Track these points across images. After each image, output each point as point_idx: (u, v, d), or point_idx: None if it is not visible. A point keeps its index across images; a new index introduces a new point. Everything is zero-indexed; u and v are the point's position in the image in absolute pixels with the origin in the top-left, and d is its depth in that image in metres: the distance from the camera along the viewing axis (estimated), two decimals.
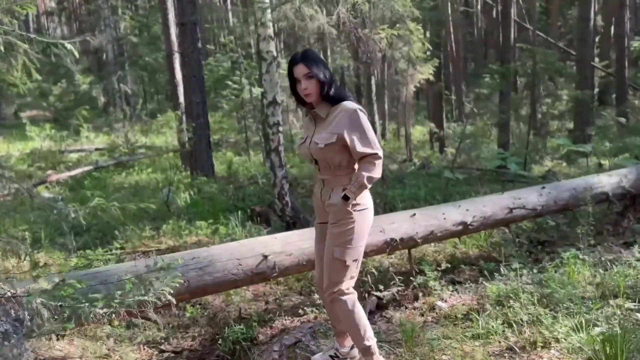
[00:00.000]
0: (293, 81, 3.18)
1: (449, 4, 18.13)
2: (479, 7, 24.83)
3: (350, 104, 3.11)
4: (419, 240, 4.78)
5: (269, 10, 6.93)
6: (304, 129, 3.33)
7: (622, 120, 12.89)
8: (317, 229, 3.32)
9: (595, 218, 6.15)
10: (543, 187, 5.74)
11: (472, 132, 14.46)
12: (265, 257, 3.99)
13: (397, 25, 6.62)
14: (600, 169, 9.96)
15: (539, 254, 5.74)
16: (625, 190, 6.31)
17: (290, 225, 7.28)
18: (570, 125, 14.72)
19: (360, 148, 3.04)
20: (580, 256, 5.14)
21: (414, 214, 4.83)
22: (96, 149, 14.10)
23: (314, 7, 6.35)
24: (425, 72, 11.49)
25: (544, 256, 5.67)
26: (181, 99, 10.47)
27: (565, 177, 8.28)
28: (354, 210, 3.07)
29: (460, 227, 5.05)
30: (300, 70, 3.08)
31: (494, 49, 24.54)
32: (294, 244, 4.16)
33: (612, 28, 22.77)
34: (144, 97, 21.38)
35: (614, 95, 20.37)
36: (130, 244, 6.10)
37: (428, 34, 12.48)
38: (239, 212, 6.77)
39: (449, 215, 5.00)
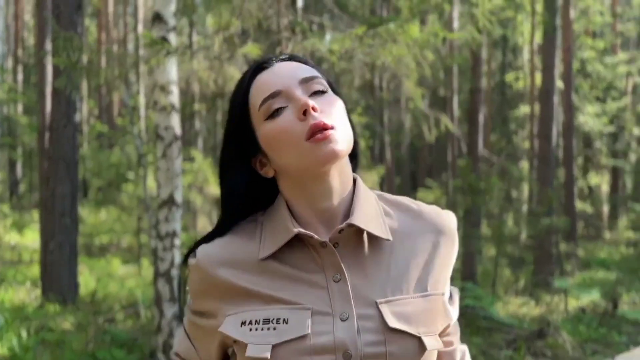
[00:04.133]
0: (246, 126, 0.99)
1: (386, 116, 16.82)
2: (407, 121, 24.08)
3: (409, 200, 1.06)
4: None
5: (173, 66, 4.64)
6: (249, 294, 0.94)
7: (579, 251, 11.38)
8: None
9: None
10: None
11: None
12: None
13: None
14: (584, 314, 8.04)
15: None
16: None
17: None
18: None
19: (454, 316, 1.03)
20: None
21: None
22: None
23: (240, 66, 4.13)
24: (369, 180, 9.40)
25: None
26: None
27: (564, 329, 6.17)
28: None
29: None
30: (294, 72, 0.96)
31: (424, 165, 23.54)
32: None
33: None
34: (23, 184, 18.11)
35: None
36: None
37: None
38: None
39: None
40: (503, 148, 23.47)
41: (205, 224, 11.49)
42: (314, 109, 0.89)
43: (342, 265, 0.91)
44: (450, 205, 9.83)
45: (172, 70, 4.67)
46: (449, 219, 1.01)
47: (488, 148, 20.37)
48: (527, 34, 17.48)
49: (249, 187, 0.98)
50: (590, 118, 19.24)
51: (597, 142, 20.69)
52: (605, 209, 19.94)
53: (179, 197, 4.85)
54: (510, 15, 17.35)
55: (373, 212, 0.96)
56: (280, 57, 0.99)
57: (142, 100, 11.65)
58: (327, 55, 3.21)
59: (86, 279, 8.05)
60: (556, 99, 10.55)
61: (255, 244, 0.95)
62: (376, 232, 0.94)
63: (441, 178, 17.64)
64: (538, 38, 15.43)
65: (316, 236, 0.91)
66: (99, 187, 15.84)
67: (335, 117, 0.92)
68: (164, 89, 4.68)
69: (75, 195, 6.73)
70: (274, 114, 0.91)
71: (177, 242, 4.83)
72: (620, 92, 20.13)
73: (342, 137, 0.91)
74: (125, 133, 9.67)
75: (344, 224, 0.91)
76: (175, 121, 4.81)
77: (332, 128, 0.89)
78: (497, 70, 26.05)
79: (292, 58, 0.99)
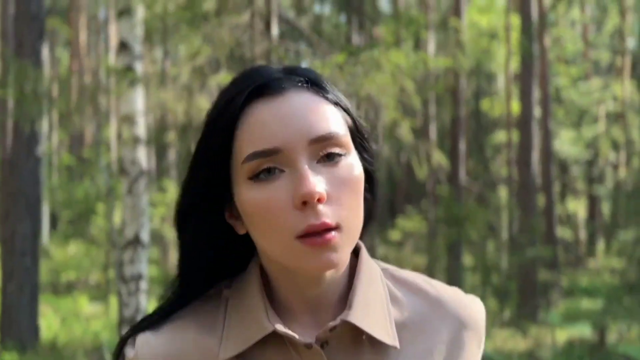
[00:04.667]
0: (222, 164, 0.69)
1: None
2: (385, 150, 24.02)
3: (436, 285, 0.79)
4: None
5: (139, 96, 4.34)
6: None
7: (561, 281, 11.20)
8: None
9: None
10: None
11: None
12: None
13: None
14: (573, 349, 7.80)
15: None
16: None
17: None
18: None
19: None
20: None
21: None
22: None
23: (212, 96, 3.84)
24: None
25: None
26: None
27: None
28: None
29: None
30: (306, 122, 0.67)
31: (401, 192, 23.43)
32: None
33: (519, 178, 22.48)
34: None
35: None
36: None
37: None
38: None
39: None
40: (480, 175, 23.60)
41: None
42: (319, 199, 0.63)
43: None
44: (432, 235, 9.61)
45: (137, 100, 4.36)
46: (476, 309, 0.78)
47: (467, 176, 20.34)
48: (502, 61, 17.62)
49: (218, 239, 0.73)
50: (566, 144, 19.37)
51: (573, 168, 20.80)
52: (583, 235, 19.94)
53: (145, 237, 4.50)
54: (484, 44, 17.49)
55: (377, 302, 0.72)
56: (292, 76, 0.69)
57: (113, 131, 11.29)
58: None
59: (49, 321, 7.55)
60: (534, 125, 10.48)
61: (215, 337, 0.71)
62: (379, 334, 0.69)
63: (420, 205, 17.45)
64: (513, 65, 15.52)
65: (298, 337, 0.67)
66: (69, 219, 15.30)
67: (346, 206, 0.66)
68: (129, 120, 4.37)
69: (37, 233, 6.31)
70: (262, 175, 0.65)
71: (143, 285, 4.47)
72: (594, 118, 20.34)
73: (347, 240, 0.66)
74: (92, 166, 9.28)
75: (337, 320, 0.68)
76: (141, 154, 4.48)
77: (336, 228, 0.64)
78: (471, 97, 26.26)
79: (308, 81, 0.69)
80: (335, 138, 0.66)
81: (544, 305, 9.95)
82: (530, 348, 7.80)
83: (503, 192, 17.97)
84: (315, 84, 0.69)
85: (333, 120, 0.67)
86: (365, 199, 0.71)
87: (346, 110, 0.70)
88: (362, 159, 0.70)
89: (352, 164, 0.67)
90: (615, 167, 19.55)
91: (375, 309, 0.71)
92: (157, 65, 15.52)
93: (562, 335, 8.54)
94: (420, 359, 0.71)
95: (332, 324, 0.67)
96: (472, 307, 0.77)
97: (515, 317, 9.41)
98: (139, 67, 4.40)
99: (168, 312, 0.74)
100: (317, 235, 0.63)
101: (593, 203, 19.69)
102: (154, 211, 9.70)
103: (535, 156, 10.33)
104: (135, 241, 4.42)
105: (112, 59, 13.87)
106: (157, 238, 10.82)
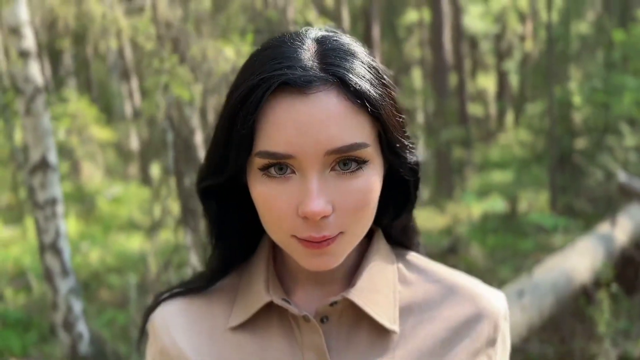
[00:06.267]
0: (236, 140, 0.67)
1: None
2: None
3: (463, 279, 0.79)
4: None
5: (22, 4, 3.85)
6: None
7: (474, 157, 11.75)
8: None
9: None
10: (521, 293, 3.49)
11: None
12: None
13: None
14: (487, 220, 8.32)
15: None
16: (596, 277, 4.37)
17: None
18: None
19: None
20: None
21: None
22: None
23: None
24: None
25: None
26: None
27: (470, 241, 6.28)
28: None
29: None
30: (325, 133, 0.63)
31: None
32: None
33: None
34: None
35: None
36: None
37: None
38: None
39: None
40: (394, 58, 23.54)
41: (91, 171, 10.58)
42: (323, 216, 0.63)
43: (325, 349, 0.69)
44: None
45: (21, 9, 3.87)
46: (494, 302, 0.75)
47: (382, 61, 20.25)
48: None
49: (243, 208, 0.76)
50: (475, 19, 19.52)
51: (482, 43, 21.19)
52: (493, 109, 20.80)
53: (53, 159, 4.20)
54: None
55: (383, 285, 0.73)
56: (325, 70, 0.63)
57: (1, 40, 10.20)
58: None
59: None
60: (445, 2, 10.32)
61: (229, 308, 0.76)
62: (379, 317, 0.71)
63: None
64: None
65: (292, 308, 0.70)
66: None
67: (353, 216, 0.65)
68: (16, 33, 3.90)
69: None
70: (273, 171, 0.65)
71: (59, 209, 4.23)
72: None
73: (348, 243, 0.67)
74: None
75: (338, 296, 0.71)
76: (34, 70, 4.06)
77: (334, 241, 0.65)
78: None
79: (341, 81, 0.63)
80: (355, 150, 0.64)
81: (459, 182, 10.47)
82: (448, 224, 8.26)
83: (417, 74, 18.18)
84: (347, 83, 0.63)
85: (357, 131, 0.64)
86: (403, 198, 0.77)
87: (379, 117, 0.65)
88: (393, 168, 0.70)
89: (368, 175, 0.65)
90: (522, 39, 20.05)
91: (380, 291, 0.71)
92: None
93: (477, 209, 9.08)
94: (421, 343, 0.71)
95: (333, 299, 0.69)
96: (490, 299, 0.75)
97: (433, 196, 9.87)
98: None
99: (205, 280, 0.77)
100: (314, 242, 0.64)
101: (502, 77, 20.35)
102: (58, 124, 9.09)
103: (447, 35, 10.31)
104: (44, 164, 4.12)
105: None
106: (64, 152, 10.26)
